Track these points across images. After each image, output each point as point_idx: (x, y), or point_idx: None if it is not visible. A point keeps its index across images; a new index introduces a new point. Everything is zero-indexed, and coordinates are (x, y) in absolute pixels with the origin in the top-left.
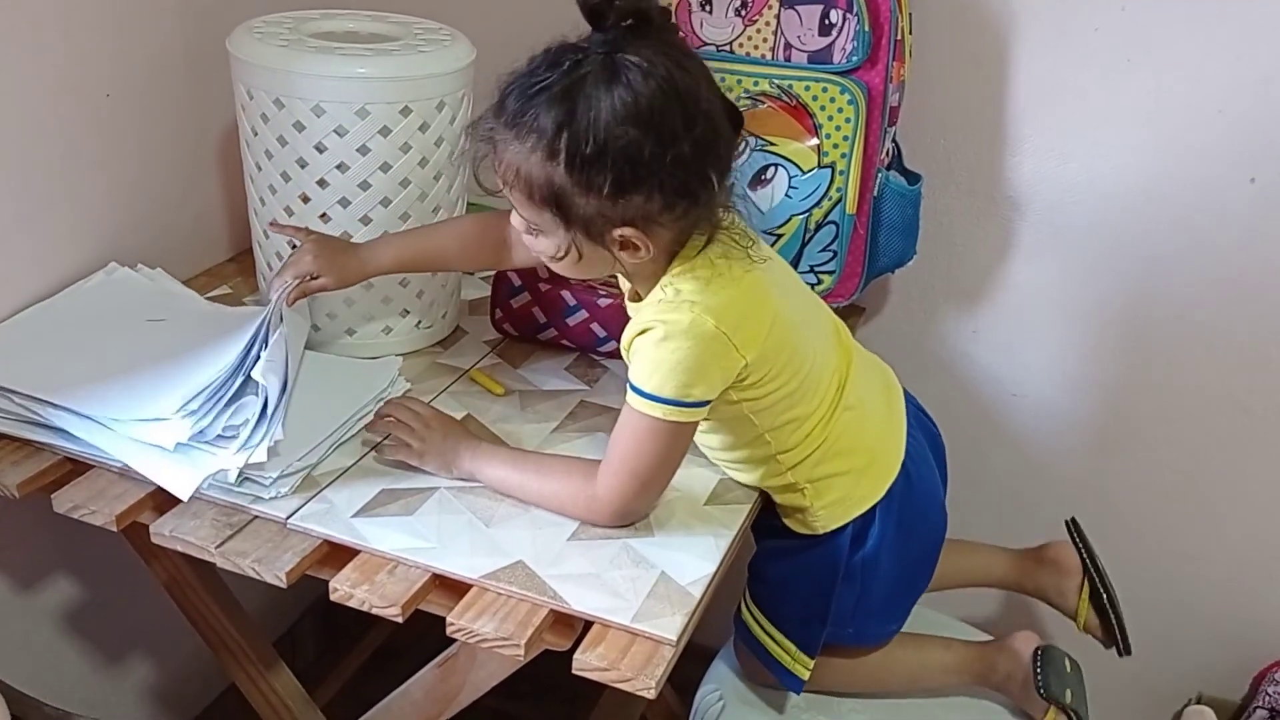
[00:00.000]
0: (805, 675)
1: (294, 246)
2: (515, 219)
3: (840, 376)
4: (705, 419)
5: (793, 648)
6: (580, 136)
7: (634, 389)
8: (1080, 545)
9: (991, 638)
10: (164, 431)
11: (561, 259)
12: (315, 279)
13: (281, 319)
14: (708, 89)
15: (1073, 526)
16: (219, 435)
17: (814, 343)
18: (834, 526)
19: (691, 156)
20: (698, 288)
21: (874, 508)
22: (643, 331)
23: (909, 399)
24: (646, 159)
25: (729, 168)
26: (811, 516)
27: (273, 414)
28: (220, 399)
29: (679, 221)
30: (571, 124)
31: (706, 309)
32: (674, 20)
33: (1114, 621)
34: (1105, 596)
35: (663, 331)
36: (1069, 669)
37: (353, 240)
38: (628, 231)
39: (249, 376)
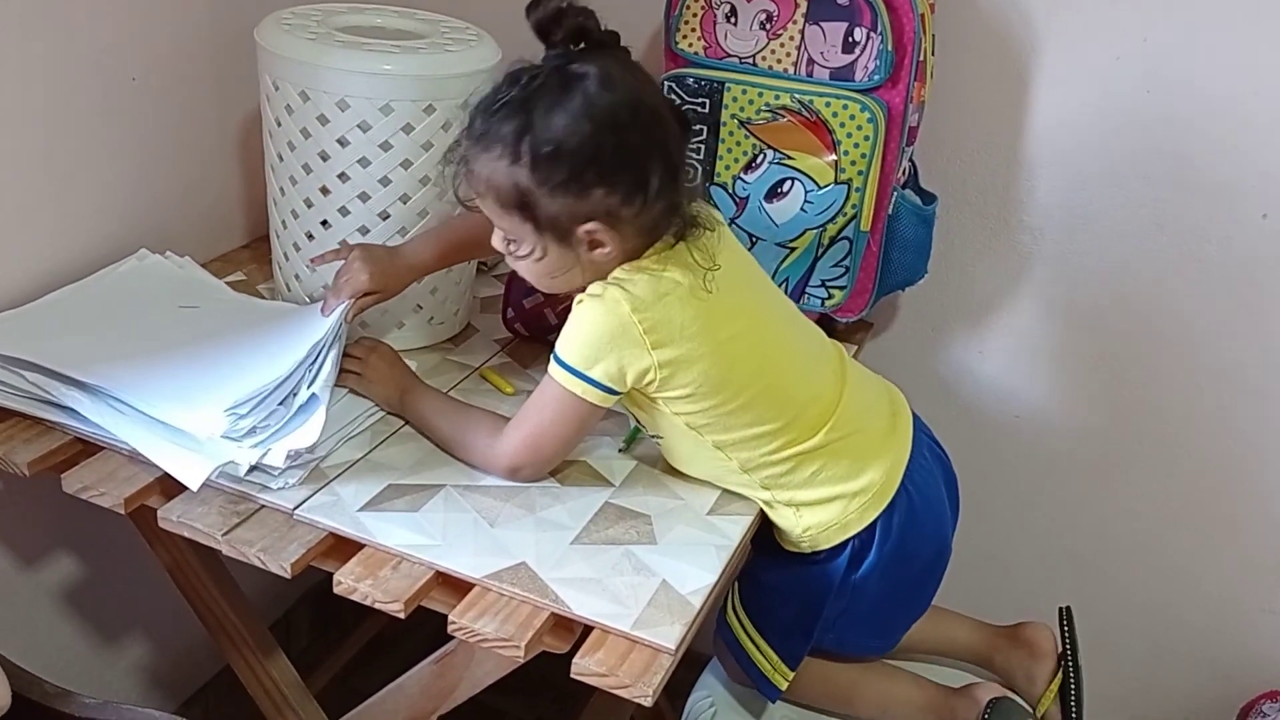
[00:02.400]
0: (783, 686)
1: (310, 236)
2: (495, 239)
3: (828, 402)
4: (652, 433)
5: (774, 657)
6: (538, 138)
7: (553, 354)
8: (1066, 634)
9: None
10: (199, 422)
11: (538, 260)
12: (369, 293)
13: (337, 337)
14: (653, 92)
15: (1064, 614)
16: (244, 432)
17: (783, 367)
18: (822, 548)
19: (640, 147)
20: (633, 278)
21: (874, 531)
22: (577, 303)
23: (922, 427)
24: (599, 152)
25: (681, 165)
26: (798, 538)
27: (320, 428)
28: (269, 404)
29: (639, 218)
30: (530, 129)
31: (628, 295)
32: (621, 42)
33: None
34: (1074, 693)
35: (586, 302)
36: None
37: (377, 240)
38: (593, 227)
39: (297, 388)
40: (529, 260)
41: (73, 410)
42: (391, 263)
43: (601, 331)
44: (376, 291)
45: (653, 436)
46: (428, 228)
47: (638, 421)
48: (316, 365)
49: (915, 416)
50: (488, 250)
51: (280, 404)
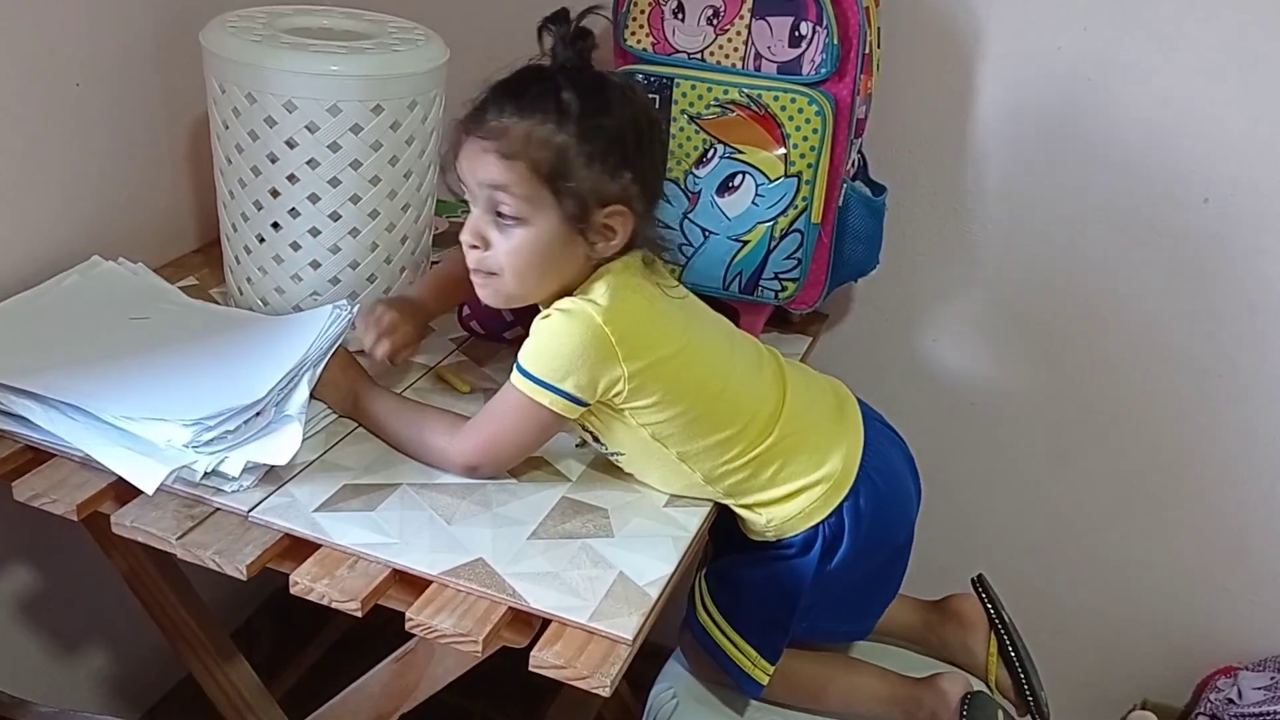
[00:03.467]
0: (764, 680)
1: (260, 239)
2: (480, 222)
3: (775, 403)
4: (612, 449)
5: (753, 653)
6: (587, 106)
7: (517, 365)
8: (985, 599)
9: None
10: (159, 430)
11: (536, 238)
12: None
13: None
14: None
15: (978, 582)
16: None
17: (730, 372)
18: (787, 536)
19: (660, 150)
20: (598, 291)
21: (842, 518)
22: (543, 318)
23: (873, 414)
24: (638, 136)
25: (662, 191)
26: (763, 529)
27: (295, 449)
28: (236, 420)
29: (642, 219)
30: (579, 98)
31: (599, 308)
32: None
33: (1024, 680)
34: (1014, 650)
35: (555, 316)
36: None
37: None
38: (615, 210)
39: (265, 407)
40: (528, 236)
41: (23, 418)
42: (417, 312)
43: (575, 345)
44: (415, 343)
45: (612, 454)
46: (377, 229)
47: (596, 439)
48: (290, 387)
49: (863, 403)
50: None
51: (245, 422)
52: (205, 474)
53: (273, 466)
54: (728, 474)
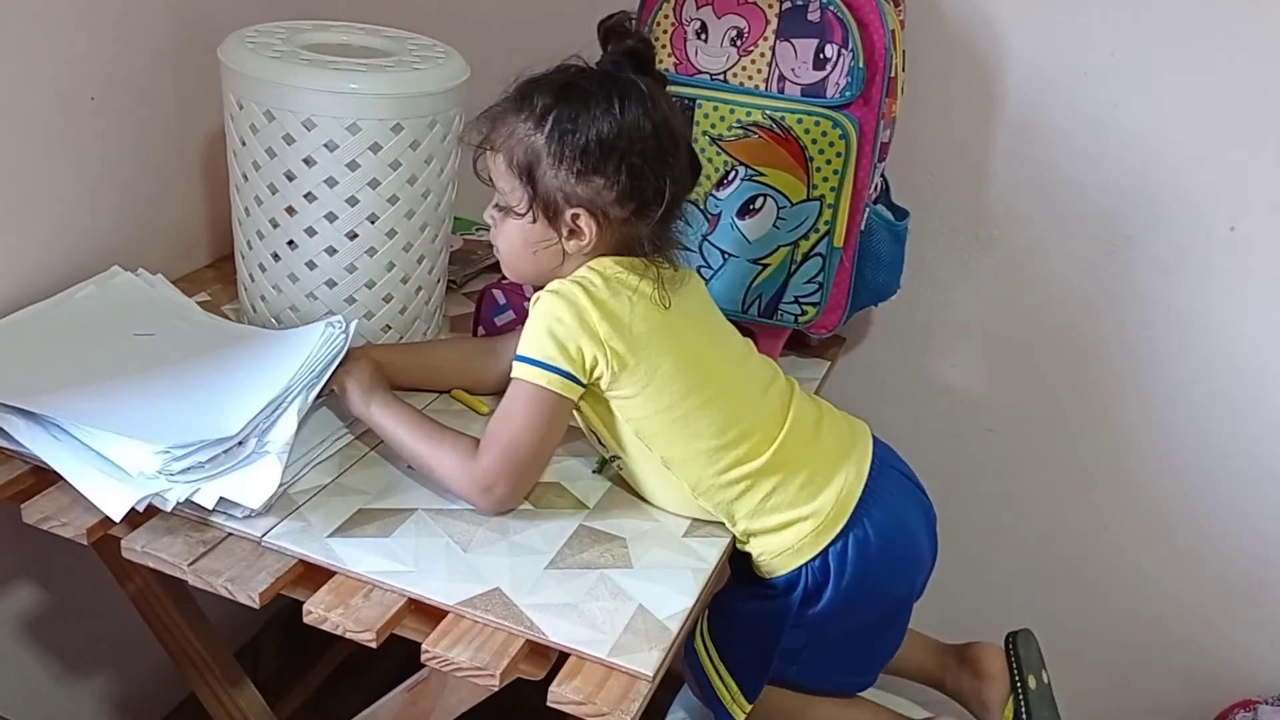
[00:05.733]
0: (740, 718)
1: (276, 257)
2: (487, 211)
3: (773, 428)
4: (612, 452)
5: (734, 687)
6: (564, 114)
7: (517, 355)
8: (1013, 661)
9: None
10: (132, 456)
11: (525, 227)
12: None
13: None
14: (681, 127)
15: (1009, 643)
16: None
17: (726, 384)
18: (778, 573)
19: (654, 155)
20: (593, 277)
21: (828, 562)
22: (534, 302)
23: (901, 469)
24: (614, 147)
25: (680, 193)
26: (756, 563)
27: (270, 493)
28: (210, 450)
29: (625, 224)
30: (561, 104)
31: (584, 289)
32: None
33: None
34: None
35: (545, 297)
36: None
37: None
38: (580, 213)
39: (246, 439)
40: (515, 225)
41: (4, 432)
42: (358, 355)
43: (559, 318)
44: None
45: (612, 458)
46: (394, 248)
47: (602, 440)
48: (274, 417)
49: (892, 456)
50: (444, 379)
51: (224, 452)
52: (178, 504)
53: (285, 491)
54: (715, 489)
